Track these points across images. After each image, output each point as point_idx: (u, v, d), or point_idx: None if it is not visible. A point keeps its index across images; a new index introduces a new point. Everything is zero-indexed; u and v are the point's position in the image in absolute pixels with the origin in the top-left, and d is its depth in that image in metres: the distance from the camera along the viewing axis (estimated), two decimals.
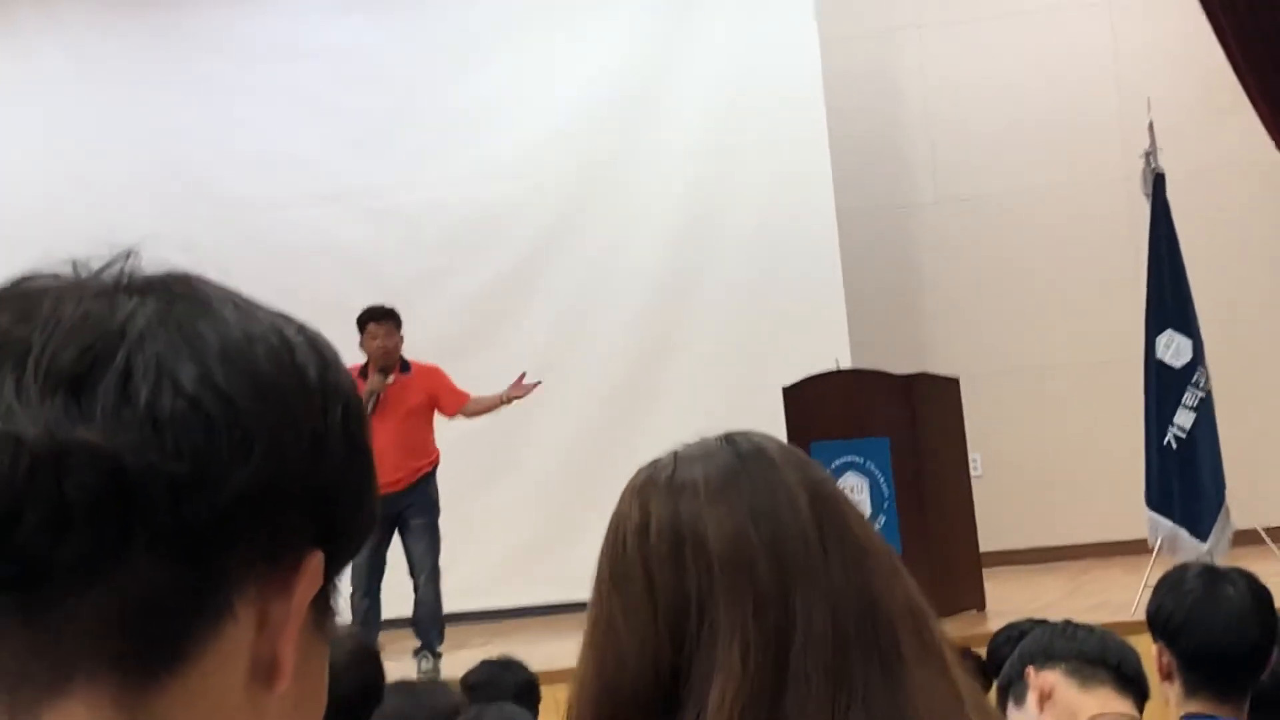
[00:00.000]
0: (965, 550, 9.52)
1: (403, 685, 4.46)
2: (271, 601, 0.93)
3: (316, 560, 0.94)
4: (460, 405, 9.86)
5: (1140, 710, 3.50)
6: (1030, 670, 3.46)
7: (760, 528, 1.61)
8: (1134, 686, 3.47)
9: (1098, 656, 3.45)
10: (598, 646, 1.64)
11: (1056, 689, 3.44)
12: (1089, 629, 3.54)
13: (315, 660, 0.98)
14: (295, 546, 0.93)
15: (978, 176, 12.40)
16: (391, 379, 9.65)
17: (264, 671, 0.93)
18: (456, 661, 8.89)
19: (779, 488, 1.64)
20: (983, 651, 5.65)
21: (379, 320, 9.70)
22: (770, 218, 11.67)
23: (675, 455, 1.70)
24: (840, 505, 1.67)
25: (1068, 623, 3.59)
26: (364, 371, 9.58)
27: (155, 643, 0.90)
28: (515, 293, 12.04)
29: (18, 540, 0.86)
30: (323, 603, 0.98)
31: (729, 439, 1.71)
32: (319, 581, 0.95)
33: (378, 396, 9.52)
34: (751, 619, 1.57)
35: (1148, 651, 3.57)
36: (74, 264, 0.95)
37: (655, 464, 1.70)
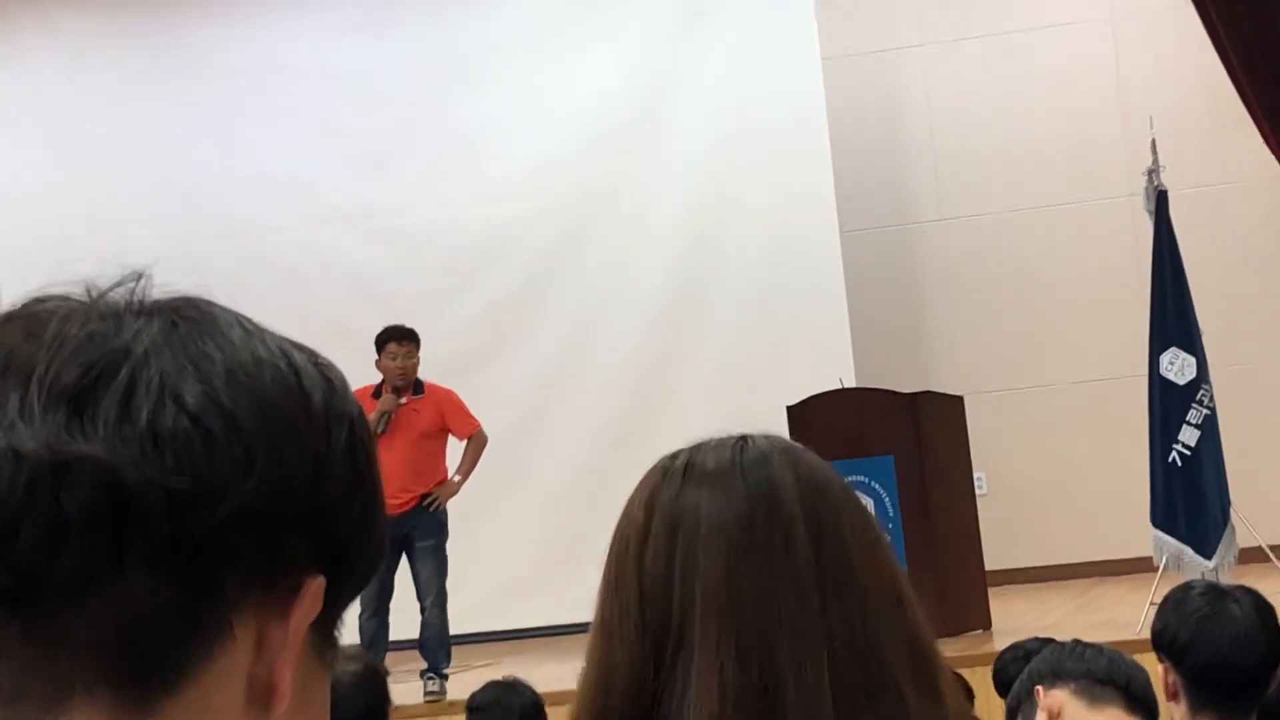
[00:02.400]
0: (970, 569, 9.50)
1: None
2: (269, 623, 0.93)
3: (316, 585, 0.94)
4: (471, 431, 9.82)
5: None
6: (1039, 689, 3.45)
7: (750, 575, 1.57)
8: (1143, 706, 3.46)
9: (1106, 676, 3.44)
10: (595, 651, 1.62)
11: (1065, 708, 3.43)
12: (1098, 648, 3.53)
13: (316, 687, 0.98)
14: (294, 570, 0.93)
15: (981, 195, 12.41)
16: (404, 400, 9.64)
17: (261, 694, 0.93)
18: (462, 683, 8.89)
19: (778, 532, 1.59)
20: (988, 670, 5.65)
21: (400, 340, 9.69)
22: (774, 237, 11.67)
23: (689, 462, 1.66)
24: (845, 545, 1.60)
25: (1077, 642, 3.58)
26: (376, 391, 9.58)
27: (153, 659, 0.90)
28: (519, 313, 12.05)
29: (15, 554, 0.86)
30: (325, 629, 0.98)
31: (742, 457, 1.66)
32: (318, 606, 0.94)
33: (389, 416, 9.51)
34: (734, 664, 1.54)
35: (1155, 670, 3.56)
36: (85, 286, 0.95)
37: (672, 461, 1.66)
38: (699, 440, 1.70)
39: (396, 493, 9.32)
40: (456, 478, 9.74)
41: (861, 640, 1.57)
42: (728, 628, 1.55)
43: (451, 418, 9.77)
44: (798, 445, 1.72)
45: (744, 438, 1.69)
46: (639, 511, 1.64)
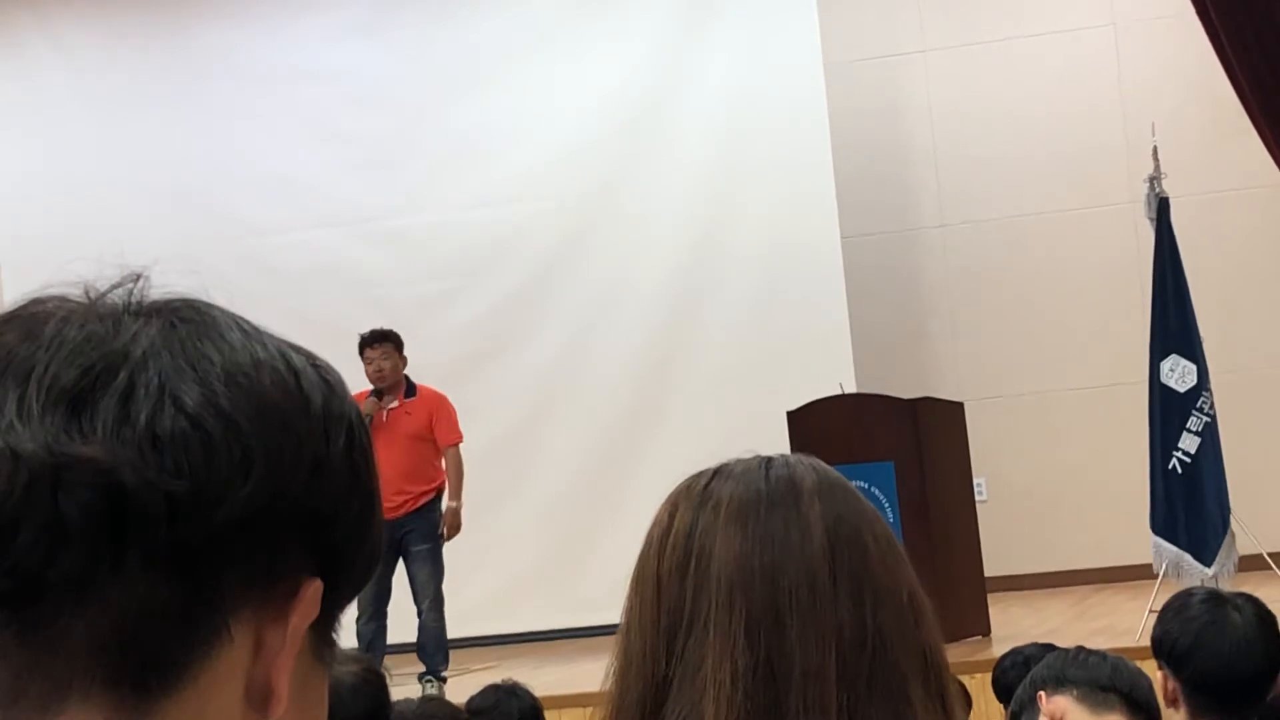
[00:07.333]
0: (970, 575, 9.50)
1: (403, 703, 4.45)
2: (267, 626, 0.93)
3: (314, 588, 0.94)
4: (451, 442, 9.80)
5: None
6: (1042, 695, 3.45)
7: (764, 555, 1.61)
8: (1145, 713, 3.46)
9: (1109, 683, 3.44)
10: (618, 646, 1.67)
11: (1068, 714, 3.43)
12: (1101, 655, 3.53)
13: (314, 690, 0.98)
14: (293, 573, 0.93)
15: (982, 201, 12.40)
16: (395, 403, 9.64)
17: (259, 696, 0.93)
18: (461, 686, 8.88)
19: (794, 519, 1.64)
20: (987, 677, 5.64)
21: (373, 344, 9.74)
22: (775, 242, 11.67)
23: (717, 469, 1.72)
24: (862, 543, 1.65)
25: (1080, 648, 3.58)
26: (376, 393, 9.61)
27: (151, 662, 0.89)
28: (520, 316, 12.04)
29: (13, 555, 0.86)
30: (324, 632, 0.98)
31: (768, 462, 1.72)
32: (315, 610, 0.94)
33: (369, 420, 9.50)
34: (743, 643, 1.58)
35: (1155, 676, 3.56)
36: (84, 287, 0.95)
37: (700, 473, 1.72)
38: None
39: (391, 495, 9.32)
40: (453, 504, 9.73)
41: (873, 637, 1.60)
42: (739, 607, 1.59)
43: (439, 423, 9.76)
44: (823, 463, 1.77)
45: (770, 455, 1.76)
46: (664, 514, 1.69)
